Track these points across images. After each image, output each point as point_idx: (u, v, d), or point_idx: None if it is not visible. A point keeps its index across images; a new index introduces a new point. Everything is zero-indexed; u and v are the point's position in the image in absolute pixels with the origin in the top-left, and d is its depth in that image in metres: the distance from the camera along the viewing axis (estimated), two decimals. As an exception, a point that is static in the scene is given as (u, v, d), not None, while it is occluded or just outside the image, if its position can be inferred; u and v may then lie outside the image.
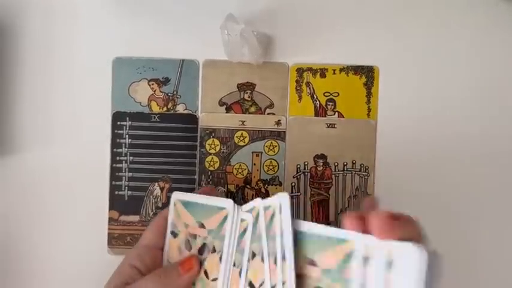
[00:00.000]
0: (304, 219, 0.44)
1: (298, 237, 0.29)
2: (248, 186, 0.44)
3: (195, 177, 0.45)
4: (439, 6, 0.44)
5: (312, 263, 0.28)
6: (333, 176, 0.44)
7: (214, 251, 0.34)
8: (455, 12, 0.44)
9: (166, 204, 0.44)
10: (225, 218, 0.34)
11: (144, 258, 0.36)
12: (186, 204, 0.37)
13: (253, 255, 0.31)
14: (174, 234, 0.37)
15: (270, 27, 0.44)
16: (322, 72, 0.44)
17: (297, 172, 0.44)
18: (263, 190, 0.44)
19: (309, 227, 0.29)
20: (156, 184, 0.45)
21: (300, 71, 0.44)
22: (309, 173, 0.44)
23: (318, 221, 0.44)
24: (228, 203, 0.34)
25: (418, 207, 0.44)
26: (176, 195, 0.37)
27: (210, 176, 0.44)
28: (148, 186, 0.45)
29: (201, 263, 0.35)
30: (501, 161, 0.44)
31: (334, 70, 0.44)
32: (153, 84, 0.45)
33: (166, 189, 0.45)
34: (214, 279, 0.33)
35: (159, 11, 0.45)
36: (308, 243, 0.28)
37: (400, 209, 0.43)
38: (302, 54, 0.44)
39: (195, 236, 0.36)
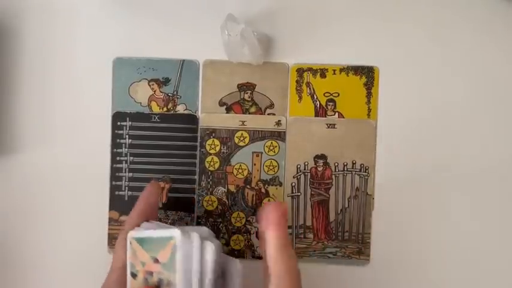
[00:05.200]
0: (305, 219, 0.44)
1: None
2: (248, 186, 0.44)
3: (195, 177, 0.45)
4: (439, 6, 0.44)
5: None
6: (333, 176, 0.44)
7: (169, 284, 0.33)
8: (455, 12, 0.44)
9: (166, 204, 0.45)
10: (174, 248, 0.32)
11: (121, 282, 0.35)
12: (141, 241, 0.34)
13: None
14: (133, 275, 0.35)
15: (270, 27, 0.44)
16: (322, 72, 0.44)
17: (297, 172, 0.44)
18: (263, 190, 0.44)
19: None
20: (156, 184, 0.45)
21: (300, 71, 0.44)
22: (309, 173, 0.44)
23: (317, 221, 0.44)
24: (175, 232, 0.32)
25: (418, 207, 0.44)
26: (131, 233, 0.35)
27: (210, 176, 0.44)
28: (148, 187, 0.45)
29: None
30: (501, 161, 0.44)
31: (334, 70, 0.44)
32: (153, 84, 0.45)
33: (167, 189, 0.45)
34: None
35: (159, 11, 0.45)
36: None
37: (400, 208, 0.44)
38: (302, 54, 0.44)
39: (151, 273, 0.34)
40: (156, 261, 0.34)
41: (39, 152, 0.45)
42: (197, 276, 0.32)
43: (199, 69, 0.45)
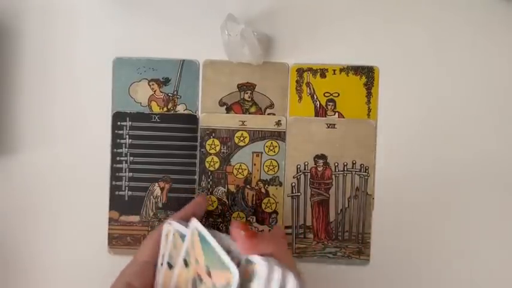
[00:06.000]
0: (305, 219, 0.44)
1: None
2: (248, 186, 0.44)
3: (195, 177, 0.45)
4: (439, 6, 0.44)
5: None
6: (333, 176, 0.44)
7: None
8: (455, 12, 0.44)
9: (166, 204, 0.45)
10: (231, 285, 0.31)
11: (142, 275, 0.35)
12: (203, 239, 0.34)
13: None
14: (171, 267, 0.35)
15: (270, 27, 0.44)
16: (322, 72, 0.44)
17: (297, 172, 0.44)
18: (263, 190, 0.44)
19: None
20: (156, 184, 0.45)
21: (300, 71, 0.44)
22: (309, 173, 0.44)
23: (317, 221, 0.44)
24: (233, 270, 0.31)
25: (418, 207, 0.44)
26: (195, 224, 0.34)
27: (210, 176, 0.44)
28: (148, 187, 0.45)
29: None
30: (501, 160, 0.44)
31: (334, 70, 0.44)
32: (153, 84, 0.45)
33: (167, 189, 0.45)
34: None
35: (159, 11, 0.45)
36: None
37: (400, 208, 0.44)
38: (302, 54, 0.44)
39: (201, 280, 0.33)
40: (209, 274, 0.33)
41: (39, 152, 0.45)
42: None
43: (199, 69, 0.45)
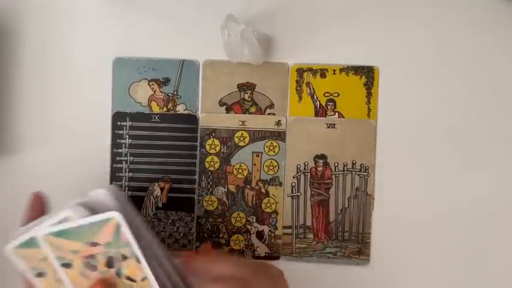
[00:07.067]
0: (305, 219, 0.44)
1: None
2: (248, 186, 0.44)
3: (195, 177, 0.45)
4: (439, 6, 0.44)
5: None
6: (333, 176, 0.44)
7: (125, 258, 0.34)
8: (456, 12, 0.44)
9: (166, 204, 0.45)
10: (117, 226, 0.33)
11: None
12: (59, 234, 0.35)
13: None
14: (67, 266, 0.35)
15: (270, 27, 0.44)
16: (322, 72, 0.44)
17: (297, 172, 0.44)
18: (263, 190, 0.44)
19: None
20: (157, 184, 0.45)
21: (300, 71, 0.44)
22: (309, 173, 0.44)
23: (317, 221, 0.44)
24: (114, 214, 0.33)
25: (418, 208, 0.44)
26: (41, 231, 0.35)
27: (210, 176, 0.44)
28: (148, 187, 0.45)
29: (117, 274, 0.34)
30: (501, 159, 0.44)
31: (334, 70, 0.44)
32: (153, 84, 0.45)
33: (167, 189, 0.45)
34: (144, 279, 0.34)
35: (159, 11, 0.45)
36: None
37: (400, 208, 0.44)
38: (302, 54, 0.44)
39: (92, 256, 0.34)
40: (94, 244, 0.34)
41: (39, 152, 0.45)
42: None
43: (199, 69, 0.45)
